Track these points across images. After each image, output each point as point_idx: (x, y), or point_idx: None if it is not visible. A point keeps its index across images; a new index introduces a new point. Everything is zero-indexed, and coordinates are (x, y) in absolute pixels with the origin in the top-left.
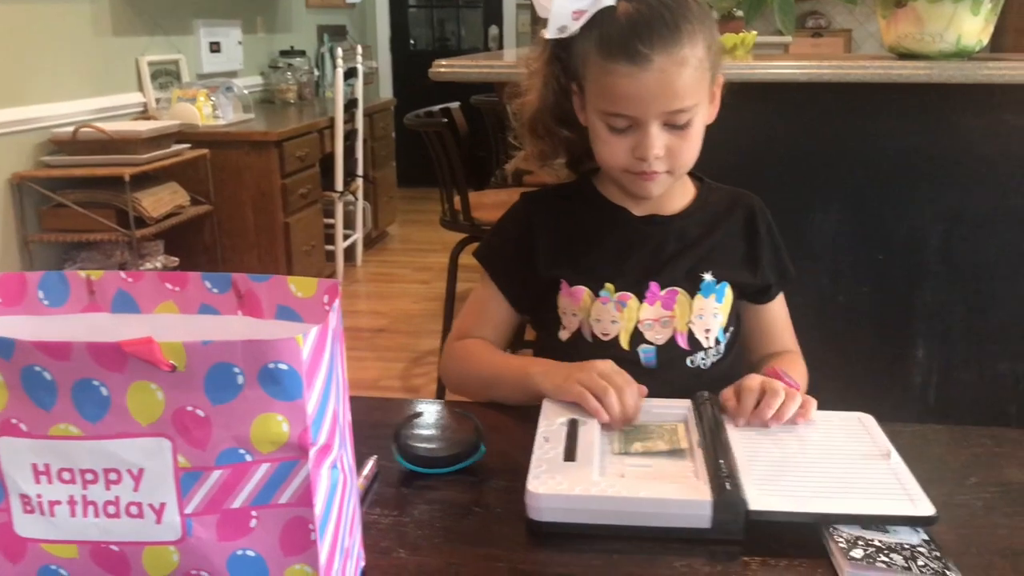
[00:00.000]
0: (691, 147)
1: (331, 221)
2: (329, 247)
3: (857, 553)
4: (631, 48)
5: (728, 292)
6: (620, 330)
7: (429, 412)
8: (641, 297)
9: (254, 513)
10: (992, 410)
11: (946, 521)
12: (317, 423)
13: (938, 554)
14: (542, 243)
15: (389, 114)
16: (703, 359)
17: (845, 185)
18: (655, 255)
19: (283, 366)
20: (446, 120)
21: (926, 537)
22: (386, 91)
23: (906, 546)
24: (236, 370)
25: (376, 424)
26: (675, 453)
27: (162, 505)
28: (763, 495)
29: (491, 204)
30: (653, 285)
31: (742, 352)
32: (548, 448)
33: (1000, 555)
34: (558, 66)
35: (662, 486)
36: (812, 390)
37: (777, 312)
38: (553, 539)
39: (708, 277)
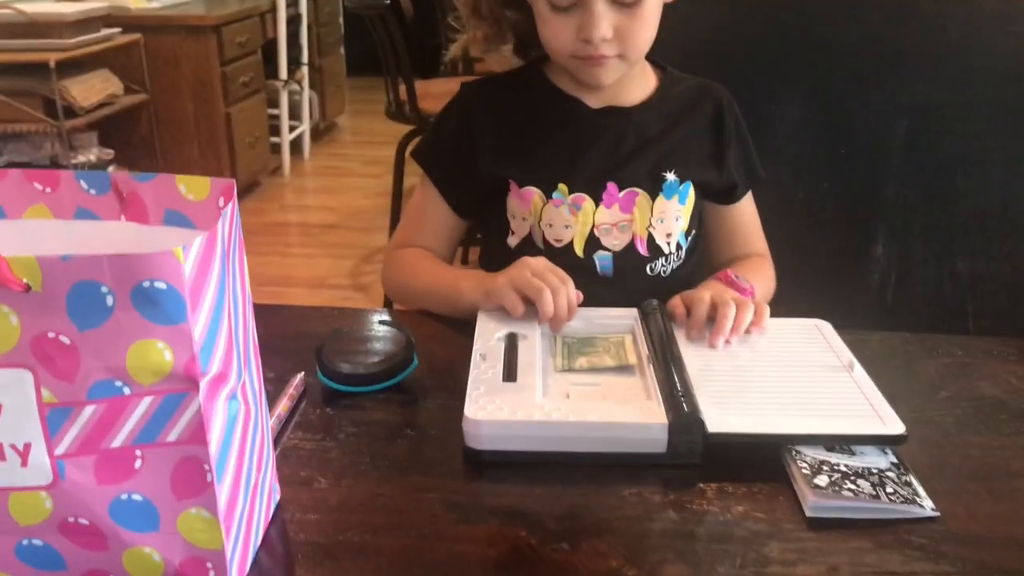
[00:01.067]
0: (643, 28)
1: (276, 112)
2: (275, 139)
3: (822, 480)
4: None
5: (691, 193)
6: (574, 235)
7: (358, 323)
8: (598, 199)
9: (138, 453)
10: (949, 308)
11: (916, 440)
12: (207, 349)
13: (908, 479)
14: (486, 139)
15: None
16: (663, 266)
17: (808, 75)
18: (613, 152)
19: (161, 284)
20: (389, 2)
21: (895, 460)
22: None
23: (874, 471)
24: (104, 290)
25: (304, 335)
26: (623, 369)
27: (26, 446)
28: (721, 415)
29: (440, 94)
30: (611, 186)
31: (704, 257)
32: (485, 367)
33: (973, 478)
34: None
35: (612, 408)
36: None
37: (744, 213)
38: (492, 467)
39: (671, 176)
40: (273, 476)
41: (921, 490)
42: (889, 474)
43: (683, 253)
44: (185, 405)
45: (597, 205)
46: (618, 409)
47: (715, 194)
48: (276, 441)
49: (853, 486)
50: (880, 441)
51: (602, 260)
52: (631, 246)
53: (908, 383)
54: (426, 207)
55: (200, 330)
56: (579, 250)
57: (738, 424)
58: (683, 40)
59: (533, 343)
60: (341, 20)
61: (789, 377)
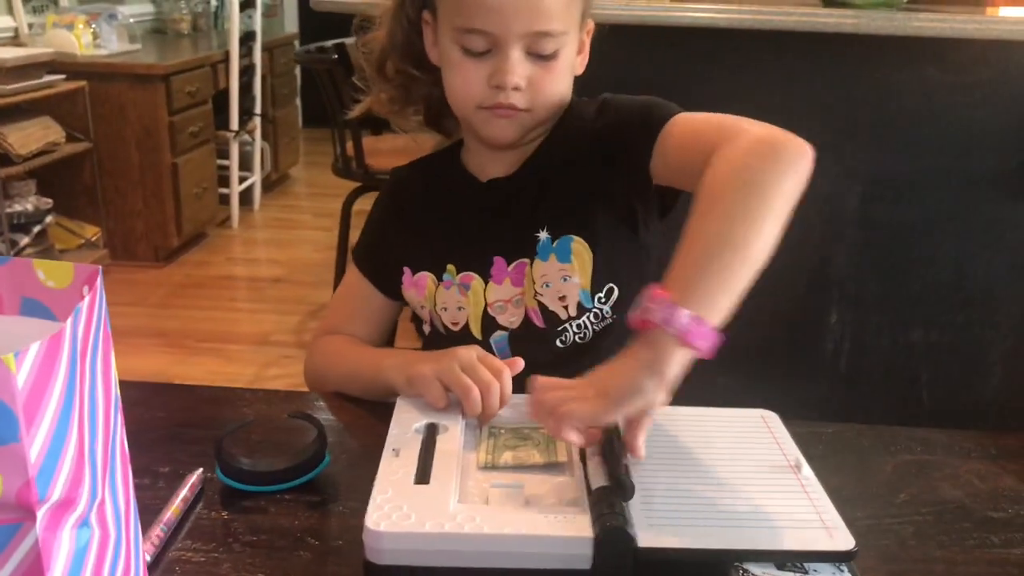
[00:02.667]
0: (556, 84)
1: (226, 163)
2: (223, 190)
3: None
4: None
5: (577, 246)
6: (468, 317)
7: (266, 412)
8: (486, 276)
9: None
10: (903, 378)
11: (873, 553)
12: (47, 472)
13: None
14: (399, 227)
15: (292, 49)
16: (578, 333)
17: None
18: (492, 225)
19: None
20: (336, 56)
21: None
22: (292, 25)
23: None
24: None
25: (212, 422)
26: (552, 467)
27: None
28: (655, 527)
29: (389, 150)
30: (498, 260)
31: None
32: (397, 466)
33: None
34: None
35: (533, 518)
36: (724, 351)
37: (673, 133)
38: None
39: (542, 235)
40: None
41: None
42: None
43: (606, 311)
44: (19, 538)
45: (486, 282)
46: (540, 520)
47: (637, 213)
48: (162, 553)
49: None
50: (828, 558)
51: (498, 342)
52: (526, 320)
53: (864, 484)
54: (354, 290)
55: (38, 450)
56: (476, 331)
57: (674, 539)
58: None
59: (455, 435)
60: (297, 72)
61: (732, 480)
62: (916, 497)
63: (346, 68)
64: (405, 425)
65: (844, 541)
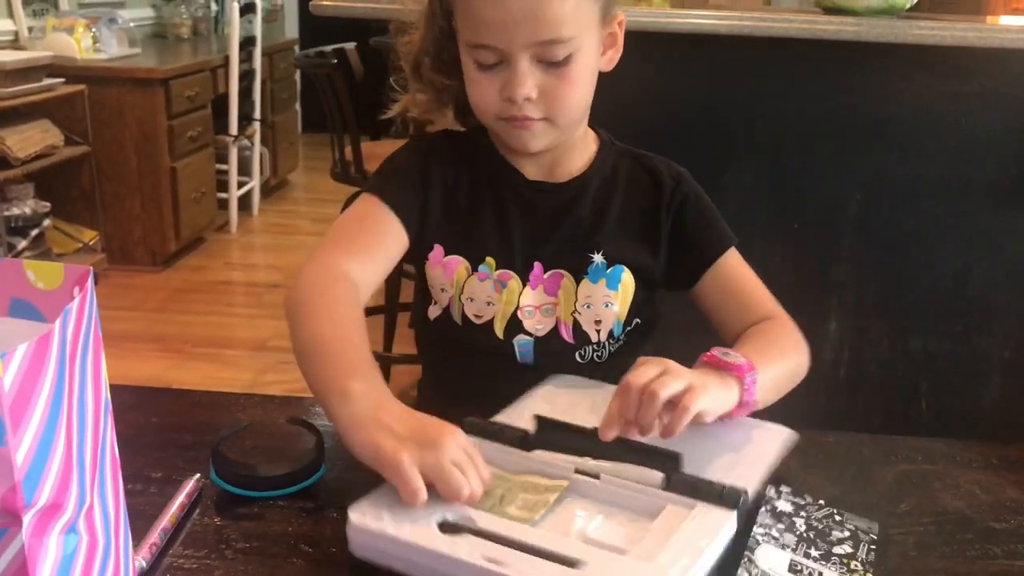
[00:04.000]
0: (572, 91)
1: (224, 167)
2: (222, 195)
3: None
4: None
5: (626, 277)
6: (496, 314)
7: (262, 418)
8: (524, 279)
9: None
10: (903, 387)
11: (879, 562)
12: (34, 476)
13: None
14: (434, 193)
15: (291, 54)
16: (597, 351)
17: (760, 147)
18: (541, 229)
19: None
20: (336, 61)
21: None
22: (292, 30)
23: None
24: None
25: (206, 427)
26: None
27: None
28: None
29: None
30: (537, 266)
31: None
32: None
33: None
34: (438, 1)
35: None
36: None
37: (732, 276)
38: None
39: (598, 258)
40: None
41: None
42: None
43: (619, 343)
44: (4, 544)
45: (524, 285)
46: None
47: (659, 280)
48: (158, 560)
49: None
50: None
51: (522, 346)
52: (555, 332)
53: (865, 493)
54: (368, 219)
55: (24, 454)
56: (499, 331)
57: None
58: (632, 110)
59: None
60: (297, 77)
61: None
62: (917, 507)
63: (345, 73)
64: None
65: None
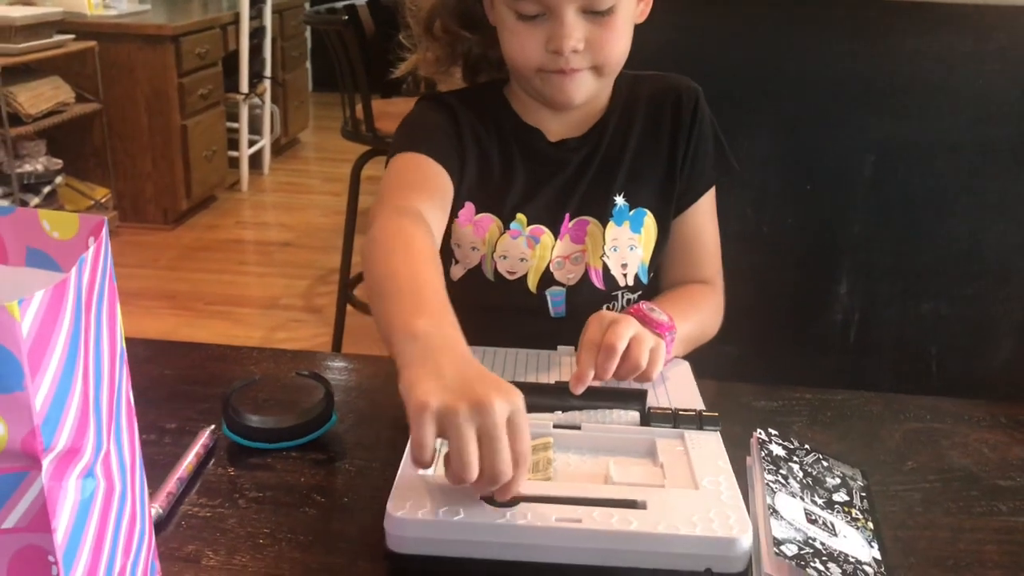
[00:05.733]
0: (617, 40)
1: (235, 125)
2: (233, 153)
3: (789, 548)
4: None
5: (648, 220)
6: (529, 269)
7: (273, 371)
8: (556, 232)
9: None
10: (913, 350)
11: (883, 518)
12: (52, 421)
13: None
14: (462, 148)
15: (302, 11)
16: (626, 299)
17: (774, 108)
18: (569, 183)
19: None
20: (346, 18)
21: (878, 556)
22: None
23: (851, 559)
24: None
25: (218, 380)
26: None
27: None
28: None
29: (399, 114)
30: (566, 216)
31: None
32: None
33: (941, 566)
34: None
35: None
36: (732, 321)
37: (697, 229)
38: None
39: (620, 201)
40: (152, 555)
41: None
42: (867, 568)
43: (644, 291)
44: (24, 487)
45: (556, 239)
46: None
47: (675, 207)
48: (175, 508)
49: (822, 567)
50: None
51: (554, 296)
52: (585, 278)
53: (872, 450)
54: (413, 167)
55: (43, 398)
56: (532, 285)
57: None
58: (645, 68)
59: None
60: (308, 34)
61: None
62: (924, 465)
63: (356, 30)
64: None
65: None
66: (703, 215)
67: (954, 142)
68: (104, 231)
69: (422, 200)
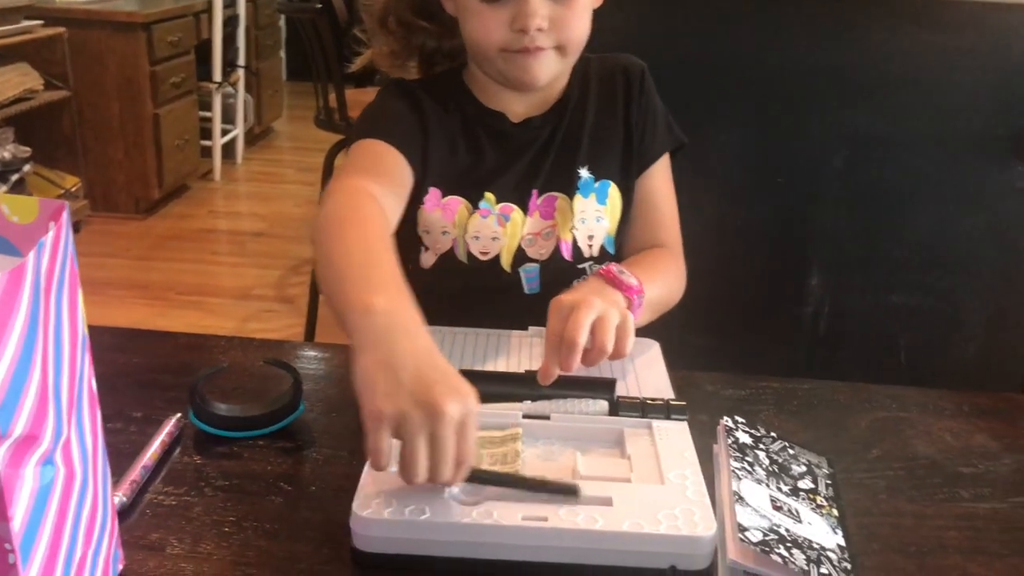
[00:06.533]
0: (579, 20)
1: (208, 114)
2: (206, 142)
3: (754, 535)
4: None
5: (613, 192)
6: (502, 248)
7: (242, 360)
8: (525, 209)
9: None
10: (882, 342)
11: (848, 505)
12: (8, 407)
13: (847, 566)
14: (426, 133)
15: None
16: (593, 271)
17: (747, 101)
18: (534, 160)
19: None
20: (320, 6)
21: (843, 542)
22: None
23: (815, 545)
24: None
25: (187, 368)
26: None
27: None
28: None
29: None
30: (534, 192)
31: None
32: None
33: (903, 553)
34: None
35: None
36: (703, 313)
37: (654, 193)
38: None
39: (585, 173)
40: (115, 544)
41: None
42: (831, 554)
43: (613, 261)
44: None
45: (525, 215)
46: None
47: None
48: (139, 497)
49: (786, 553)
50: None
51: (528, 273)
52: (556, 252)
53: (838, 439)
54: (374, 154)
55: None
56: (507, 264)
57: None
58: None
59: None
60: (282, 23)
61: None
62: (889, 452)
63: (330, 18)
64: None
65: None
66: (658, 179)
67: (924, 136)
68: (65, 216)
69: (379, 184)
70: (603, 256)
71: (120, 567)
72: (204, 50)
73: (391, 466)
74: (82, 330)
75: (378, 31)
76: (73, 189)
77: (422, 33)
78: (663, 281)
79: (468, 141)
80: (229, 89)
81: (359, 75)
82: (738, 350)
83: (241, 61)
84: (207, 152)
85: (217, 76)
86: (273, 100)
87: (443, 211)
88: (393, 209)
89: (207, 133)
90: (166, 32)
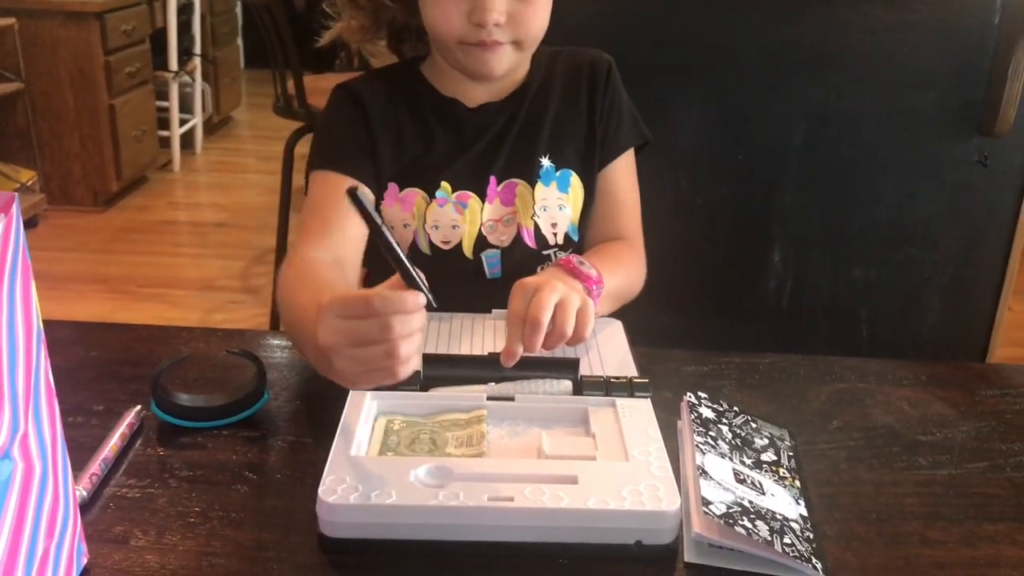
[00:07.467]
0: (538, 14)
1: (165, 104)
2: (164, 133)
3: (718, 508)
4: None
5: (575, 181)
6: (463, 236)
7: (205, 351)
8: (483, 195)
9: None
10: (844, 315)
11: (810, 476)
12: None
13: (811, 535)
14: (373, 136)
15: None
16: (558, 258)
17: (706, 79)
18: (492, 147)
19: None
20: None
21: (804, 513)
22: None
23: (779, 516)
24: None
25: (148, 360)
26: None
27: None
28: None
29: (331, 89)
30: (492, 179)
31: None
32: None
33: (864, 520)
34: None
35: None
36: (667, 292)
37: (617, 187)
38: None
39: (546, 162)
40: (78, 538)
41: (818, 553)
42: (793, 524)
43: (574, 249)
44: None
45: (483, 202)
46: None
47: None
48: (101, 490)
49: (750, 525)
50: None
51: (490, 258)
52: (518, 239)
53: (799, 411)
54: (326, 195)
55: None
56: (468, 250)
57: None
58: (576, 39)
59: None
60: (238, 10)
61: None
62: (849, 423)
63: (286, 4)
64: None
65: None
66: (621, 173)
67: (882, 111)
68: (15, 207)
69: (330, 240)
70: (567, 244)
71: (84, 561)
72: (159, 39)
73: (365, 448)
74: (37, 323)
75: (347, 5)
76: (29, 183)
77: (391, 9)
78: (623, 273)
79: (419, 130)
80: (186, 78)
81: (317, 60)
82: (702, 327)
83: (197, 49)
84: (165, 143)
85: (173, 65)
86: (231, 88)
87: (401, 204)
88: (351, 254)
89: (165, 123)
90: (120, 21)
